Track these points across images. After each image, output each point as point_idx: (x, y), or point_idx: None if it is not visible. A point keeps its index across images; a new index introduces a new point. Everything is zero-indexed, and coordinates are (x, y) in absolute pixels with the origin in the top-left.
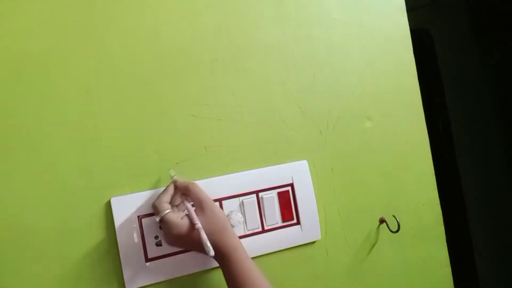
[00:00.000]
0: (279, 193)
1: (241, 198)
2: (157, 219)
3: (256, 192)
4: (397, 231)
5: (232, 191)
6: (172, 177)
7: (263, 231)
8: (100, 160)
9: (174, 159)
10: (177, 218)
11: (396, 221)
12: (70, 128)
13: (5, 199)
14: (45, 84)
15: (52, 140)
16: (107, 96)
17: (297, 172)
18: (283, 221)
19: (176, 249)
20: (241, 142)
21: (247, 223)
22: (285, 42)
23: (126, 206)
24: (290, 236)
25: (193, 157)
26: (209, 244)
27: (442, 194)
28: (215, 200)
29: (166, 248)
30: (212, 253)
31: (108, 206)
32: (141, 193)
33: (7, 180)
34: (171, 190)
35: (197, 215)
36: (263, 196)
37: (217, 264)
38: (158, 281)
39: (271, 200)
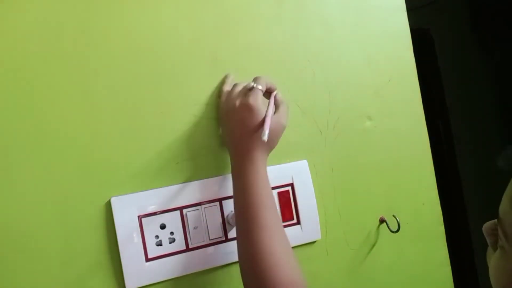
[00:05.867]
0: (279, 193)
1: None
2: (253, 84)
3: None
4: (397, 231)
5: (232, 191)
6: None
7: None
8: (100, 160)
9: (174, 159)
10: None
11: (396, 221)
12: (70, 128)
13: (5, 199)
14: (45, 84)
15: (52, 140)
16: (107, 96)
17: (297, 172)
18: (283, 221)
19: (176, 249)
20: None
21: None
22: (285, 42)
23: (126, 206)
24: (290, 236)
25: (193, 157)
26: (267, 131)
27: (442, 194)
28: (215, 200)
29: (166, 248)
30: (266, 138)
31: (108, 206)
32: (141, 193)
33: (6, 180)
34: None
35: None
36: None
37: (217, 264)
38: (158, 281)
39: None
